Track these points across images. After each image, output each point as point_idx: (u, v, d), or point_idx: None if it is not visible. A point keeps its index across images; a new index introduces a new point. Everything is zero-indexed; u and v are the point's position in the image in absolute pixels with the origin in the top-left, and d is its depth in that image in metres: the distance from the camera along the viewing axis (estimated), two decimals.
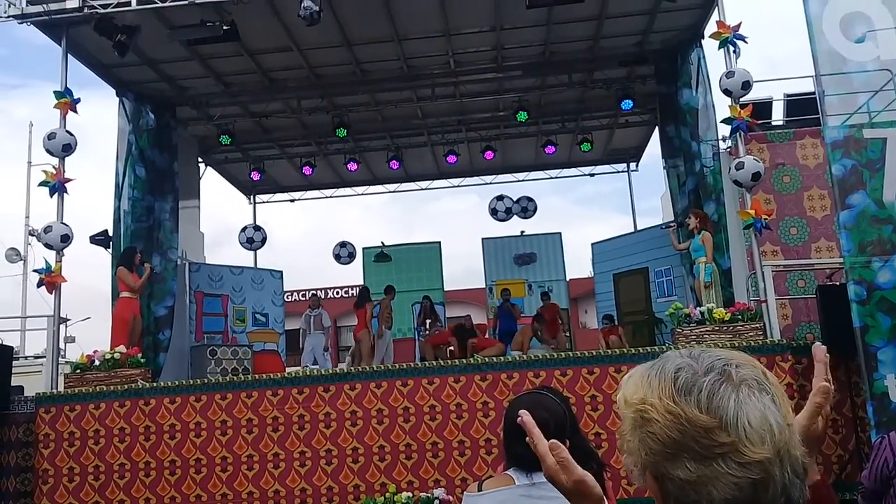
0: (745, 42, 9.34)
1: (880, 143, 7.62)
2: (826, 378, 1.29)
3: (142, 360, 9.44)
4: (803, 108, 11.74)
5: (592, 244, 15.69)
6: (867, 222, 7.49)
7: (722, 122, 9.72)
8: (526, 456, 2.69)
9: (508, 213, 17.28)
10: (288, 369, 12.94)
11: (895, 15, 7.83)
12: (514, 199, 17.50)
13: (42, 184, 9.69)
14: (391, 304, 14.30)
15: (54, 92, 9.91)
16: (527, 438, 1.28)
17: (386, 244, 18.27)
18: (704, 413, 1.06)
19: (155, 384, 9.24)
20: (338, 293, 37.06)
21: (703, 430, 1.05)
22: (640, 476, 1.12)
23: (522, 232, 18.15)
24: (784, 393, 1.11)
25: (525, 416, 1.29)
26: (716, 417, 1.05)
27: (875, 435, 6.86)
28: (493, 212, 17.25)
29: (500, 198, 17.36)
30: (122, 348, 9.33)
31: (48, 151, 9.72)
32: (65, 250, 9.62)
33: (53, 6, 9.74)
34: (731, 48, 9.33)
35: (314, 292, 14.78)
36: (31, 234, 22.01)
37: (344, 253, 18.16)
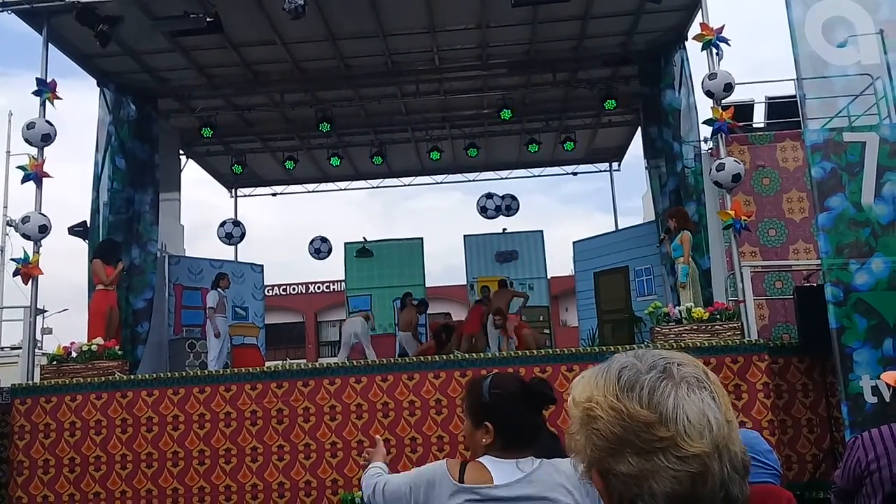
0: (728, 44, 9.40)
1: (859, 147, 7.69)
2: None
3: (119, 353, 9.39)
4: (784, 111, 11.85)
5: (574, 243, 15.74)
6: (845, 224, 7.57)
7: (704, 123, 9.78)
8: (525, 422, 2.51)
9: (498, 211, 17.19)
10: (268, 363, 12.89)
11: (876, 20, 7.91)
12: (501, 197, 17.47)
13: (20, 167, 9.58)
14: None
15: (36, 78, 9.82)
16: None
17: (368, 239, 18.24)
18: (645, 408, 1.10)
19: (132, 377, 9.19)
20: (319, 288, 37.03)
21: (644, 425, 1.09)
22: (587, 473, 1.16)
23: (504, 230, 18.18)
24: (725, 392, 1.15)
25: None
26: (656, 413, 1.09)
27: (849, 434, 6.93)
28: (483, 210, 17.14)
29: (490, 195, 17.26)
30: (99, 340, 9.26)
31: (27, 141, 9.61)
32: (43, 241, 9.54)
33: None
34: (714, 50, 9.38)
35: (222, 272, 13.27)
36: (8, 224, 21.75)
37: (324, 248, 18.09)
